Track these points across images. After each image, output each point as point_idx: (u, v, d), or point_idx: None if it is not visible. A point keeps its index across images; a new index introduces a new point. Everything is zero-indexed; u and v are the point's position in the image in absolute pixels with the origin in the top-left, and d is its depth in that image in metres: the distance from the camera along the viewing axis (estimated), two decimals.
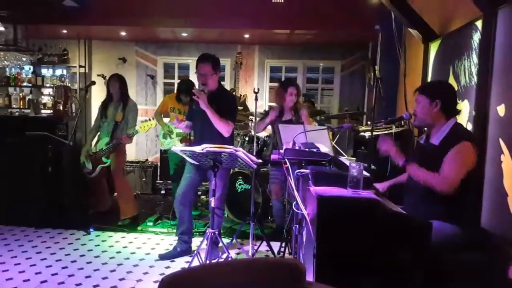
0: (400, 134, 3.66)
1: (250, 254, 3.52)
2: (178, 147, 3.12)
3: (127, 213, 4.46)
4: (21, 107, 6.54)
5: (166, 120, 4.93)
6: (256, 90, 3.77)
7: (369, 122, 4.70)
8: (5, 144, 4.42)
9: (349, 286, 1.78)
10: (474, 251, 2.16)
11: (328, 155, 2.50)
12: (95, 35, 6.52)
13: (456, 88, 2.88)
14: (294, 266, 1.33)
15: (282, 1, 5.18)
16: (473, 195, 2.17)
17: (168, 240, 3.99)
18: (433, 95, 2.29)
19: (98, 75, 6.56)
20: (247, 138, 4.79)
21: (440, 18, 3.47)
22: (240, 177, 4.56)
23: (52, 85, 6.51)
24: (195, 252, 3.20)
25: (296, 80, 6.63)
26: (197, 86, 4.30)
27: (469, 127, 2.67)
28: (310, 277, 1.82)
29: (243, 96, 6.39)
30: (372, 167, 3.34)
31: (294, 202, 2.52)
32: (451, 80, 3.04)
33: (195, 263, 3.17)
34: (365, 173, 2.05)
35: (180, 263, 3.48)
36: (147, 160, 6.48)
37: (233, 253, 3.61)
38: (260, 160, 3.06)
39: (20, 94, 6.62)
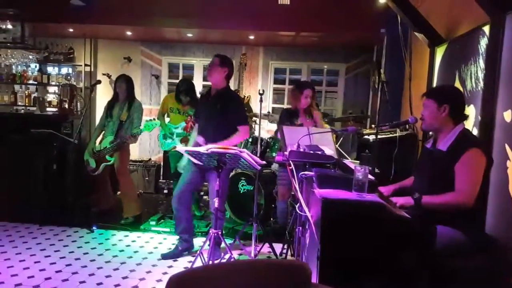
0: (405, 138, 3.66)
1: (252, 255, 3.53)
2: (183, 147, 3.14)
3: (130, 211, 4.48)
4: (27, 104, 6.56)
5: (166, 120, 4.95)
6: (261, 92, 3.78)
7: (373, 125, 4.71)
8: (11, 141, 4.45)
9: None
10: (478, 256, 2.16)
11: (333, 157, 2.51)
12: (101, 34, 6.55)
13: None
14: (300, 268, 1.34)
15: (288, 2, 5.19)
16: (478, 200, 2.16)
17: (170, 240, 4.01)
18: (441, 100, 2.28)
19: (103, 74, 6.59)
20: (250, 139, 4.79)
21: (447, 23, 3.47)
22: (242, 178, 4.57)
23: (57, 83, 6.53)
24: (198, 252, 3.21)
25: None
26: (198, 88, 4.34)
27: (475, 132, 2.67)
28: (313, 279, 1.82)
29: (247, 97, 6.40)
30: (376, 170, 3.33)
31: (298, 204, 2.52)
32: (457, 85, 3.03)
33: (198, 263, 3.18)
34: (370, 176, 2.06)
35: (183, 263, 3.49)
36: (150, 159, 6.50)
37: (235, 254, 3.61)
38: (264, 162, 3.07)
39: (26, 92, 6.64)
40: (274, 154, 4.43)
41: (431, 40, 3.60)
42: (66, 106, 6.06)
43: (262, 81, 6.68)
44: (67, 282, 3.02)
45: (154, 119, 4.25)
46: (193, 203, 4.59)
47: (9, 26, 5.47)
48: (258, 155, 3.93)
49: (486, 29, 2.60)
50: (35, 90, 6.77)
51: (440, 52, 3.50)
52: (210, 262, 3.05)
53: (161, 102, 6.70)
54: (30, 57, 6.03)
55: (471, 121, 2.75)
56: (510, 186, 2.24)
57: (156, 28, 5.76)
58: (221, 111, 3.38)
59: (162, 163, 6.12)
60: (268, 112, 5.68)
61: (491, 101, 2.47)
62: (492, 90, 2.47)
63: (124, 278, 3.14)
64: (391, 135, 3.68)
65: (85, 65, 6.63)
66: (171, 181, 5.53)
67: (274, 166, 4.98)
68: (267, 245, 3.68)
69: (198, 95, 4.81)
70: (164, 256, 3.54)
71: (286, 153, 2.58)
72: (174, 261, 3.51)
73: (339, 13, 5.22)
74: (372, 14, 5.07)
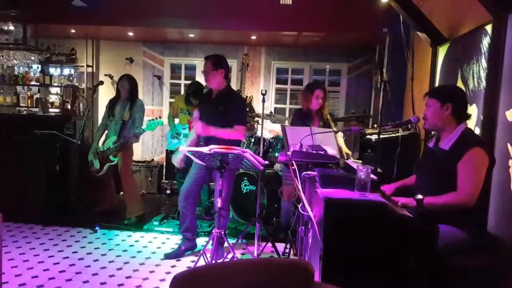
0: (407, 138, 3.66)
1: (255, 254, 3.53)
2: (185, 148, 3.15)
3: (133, 212, 4.49)
4: (29, 105, 6.59)
5: (176, 120, 4.97)
6: (263, 92, 3.79)
7: (375, 125, 4.71)
8: (14, 143, 4.47)
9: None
10: (480, 255, 2.16)
11: (335, 157, 2.51)
12: (103, 35, 6.56)
13: None
14: (303, 267, 1.35)
15: (290, 2, 5.20)
16: (480, 199, 2.16)
17: (173, 239, 4.02)
18: (444, 99, 2.29)
19: (106, 75, 6.60)
20: (252, 139, 4.80)
21: (449, 22, 3.47)
22: (245, 178, 4.58)
23: (60, 84, 6.55)
24: (201, 252, 3.22)
25: (303, 82, 6.64)
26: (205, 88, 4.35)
27: (477, 131, 2.67)
28: (316, 278, 1.82)
29: (249, 97, 6.40)
30: (379, 170, 3.34)
31: (300, 204, 2.53)
32: (460, 84, 3.03)
33: (201, 262, 3.19)
34: (372, 176, 2.06)
35: (186, 262, 3.50)
36: (153, 160, 6.51)
37: (238, 254, 3.62)
38: (267, 162, 3.08)
39: (28, 93, 6.67)
40: (276, 154, 4.43)
41: (433, 39, 3.60)
42: (69, 107, 6.08)
43: (264, 81, 6.68)
44: (70, 282, 3.03)
45: (156, 118, 4.25)
46: (201, 206, 4.62)
47: (11, 27, 5.48)
48: (260, 155, 3.94)
49: (489, 28, 2.60)
50: (37, 91, 6.79)
51: (442, 52, 3.51)
52: (213, 262, 3.06)
53: (165, 103, 6.79)
54: (32, 58, 6.04)
55: (473, 121, 2.75)
56: None
57: (158, 28, 5.77)
58: (223, 113, 3.38)
59: (164, 164, 6.14)
60: (271, 112, 5.67)
61: (493, 101, 2.48)
62: (494, 90, 2.47)
63: (127, 277, 3.15)
64: (393, 135, 3.68)
65: (87, 66, 6.65)
66: (174, 181, 5.56)
67: (278, 166, 4.99)
68: (270, 244, 3.69)
69: None
70: (167, 256, 3.56)
71: (289, 153, 2.59)
72: (177, 260, 3.52)
73: (341, 12, 5.22)
74: (374, 14, 5.07)
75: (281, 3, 5.18)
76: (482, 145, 2.21)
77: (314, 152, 2.54)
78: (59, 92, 6.65)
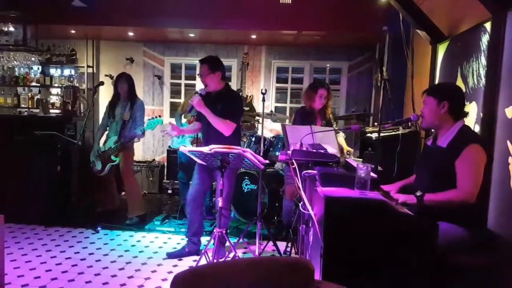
0: (407, 136, 3.66)
1: (256, 253, 3.54)
2: (186, 148, 3.15)
3: (135, 211, 4.50)
4: (30, 106, 6.60)
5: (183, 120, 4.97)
6: (263, 91, 3.79)
7: (376, 123, 4.71)
8: (15, 144, 4.48)
9: (356, 286, 1.79)
10: (480, 252, 2.17)
11: (335, 156, 2.52)
12: (103, 35, 6.57)
13: (464, 90, 2.88)
14: (304, 265, 1.35)
15: (290, 1, 5.20)
16: (480, 196, 2.17)
17: (175, 239, 4.03)
18: (440, 96, 2.30)
19: (106, 75, 6.61)
20: (253, 139, 4.81)
21: (449, 20, 3.47)
22: (246, 177, 4.59)
23: (60, 85, 6.56)
24: (203, 251, 3.23)
25: (303, 81, 6.65)
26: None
27: (477, 129, 2.67)
28: (317, 277, 1.83)
29: (250, 96, 6.41)
30: (379, 168, 3.34)
31: (301, 203, 2.54)
32: (459, 82, 3.04)
33: (203, 262, 3.20)
34: (372, 174, 2.07)
35: (188, 262, 3.51)
36: (154, 160, 6.52)
37: (239, 253, 3.63)
38: (267, 161, 3.08)
39: (29, 94, 6.68)
40: (277, 153, 4.44)
41: (433, 37, 3.61)
42: (69, 107, 6.08)
43: (264, 80, 6.69)
44: (73, 282, 3.04)
45: (156, 116, 4.26)
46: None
47: (11, 29, 5.48)
48: (261, 154, 3.95)
49: (488, 25, 2.60)
50: (38, 92, 6.81)
51: (442, 49, 3.51)
52: (215, 261, 3.07)
53: (165, 103, 6.80)
54: (33, 59, 6.05)
55: (473, 118, 2.76)
56: (511, 182, 2.24)
57: (158, 28, 5.78)
58: (221, 111, 3.38)
59: (166, 164, 6.15)
60: (271, 111, 5.68)
61: (493, 98, 2.48)
62: (493, 87, 2.48)
63: (129, 277, 3.16)
64: (393, 133, 3.68)
65: (88, 66, 6.66)
66: (175, 181, 5.57)
67: (279, 165, 5.00)
68: (271, 243, 3.70)
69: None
70: (170, 255, 3.57)
71: (289, 152, 2.60)
72: (179, 260, 3.53)
73: (341, 11, 5.22)
74: (374, 12, 5.07)
75: (280, 2, 5.19)
76: (480, 141, 2.21)
77: (314, 151, 2.55)
78: (59, 93, 6.66)
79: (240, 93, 6.26)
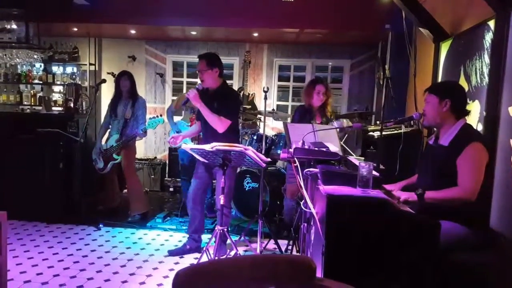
0: (410, 135, 3.65)
1: (258, 251, 3.55)
2: (188, 146, 3.16)
3: (137, 209, 4.51)
4: (32, 104, 6.61)
5: (177, 118, 4.97)
6: (266, 89, 3.78)
7: (378, 122, 4.70)
8: (17, 141, 4.49)
9: (357, 284, 1.79)
10: (483, 251, 2.16)
11: (337, 154, 2.51)
12: (105, 33, 6.57)
13: (466, 89, 2.87)
14: (305, 262, 1.35)
15: None
16: (482, 195, 2.16)
17: (177, 237, 4.04)
18: (442, 95, 2.30)
19: (108, 73, 6.60)
20: (255, 137, 4.81)
21: (452, 18, 3.46)
22: (248, 175, 4.59)
23: (62, 83, 6.57)
24: (204, 248, 3.23)
25: (305, 79, 6.63)
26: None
27: (480, 127, 2.66)
28: (318, 275, 1.83)
29: (251, 95, 6.40)
30: (381, 166, 3.34)
31: (303, 201, 2.53)
32: (462, 80, 3.03)
33: (204, 259, 3.20)
34: (374, 172, 2.06)
35: (189, 259, 3.52)
36: (155, 157, 6.53)
37: (241, 251, 3.64)
38: (269, 159, 3.08)
39: (31, 92, 6.69)
40: (279, 152, 4.43)
41: (435, 35, 3.59)
42: (72, 105, 6.09)
43: (266, 78, 6.68)
44: (75, 279, 3.05)
45: (157, 116, 4.26)
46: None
47: (14, 26, 5.50)
48: (263, 152, 3.95)
49: (491, 23, 2.59)
50: (40, 90, 6.82)
51: (445, 48, 3.50)
52: (216, 258, 3.07)
53: (167, 101, 6.80)
54: (35, 56, 6.06)
55: (476, 117, 2.75)
56: None
57: (160, 26, 5.78)
58: (217, 110, 3.37)
59: (167, 161, 6.16)
60: (273, 110, 5.67)
61: (496, 97, 2.47)
62: (497, 86, 2.47)
63: (131, 274, 3.17)
64: (396, 132, 3.68)
65: (90, 64, 6.66)
66: (177, 179, 5.57)
67: (281, 164, 5.00)
68: (272, 241, 3.70)
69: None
70: (171, 253, 3.57)
71: (291, 150, 2.59)
72: (181, 257, 3.54)
73: (343, 9, 5.21)
74: (377, 10, 5.05)
75: (282, 0, 5.17)
76: (481, 140, 2.21)
77: (316, 149, 2.54)
78: (62, 90, 6.67)
79: (242, 91, 6.26)
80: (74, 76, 6.57)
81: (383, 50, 5.69)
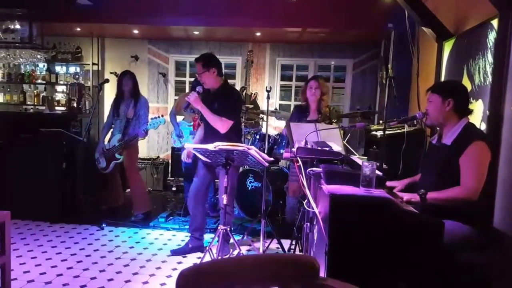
0: (413, 134, 3.65)
1: (260, 251, 3.55)
2: (191, 145, 3.16)
3: (140, 209, 4.52)
4: (36, 104, 6.64)
5: (179, 118, 4.98)
6: (268, 89, 3.78)
7: (381, 121, 4.69)
8: (21, 141, 4.51)
9: (361, 284, 1.79)
10: (486, 251, 2.16)
11: (340, 154, 2.51)
12: (108, 33, 6.58)
13: (470, 88, 2.87)
14: (308, 262, 1.35)
15: None
16: (485, 194, 2.16)
17: (179, 236, 4.04)
18: (445, 94, 2.30)
19: (111, 73, 6.63)
20: (258, 136, 4.80)
21: (455, 17, 3.45)
22: (250, 175, 4.59)
23: (66, 83, 6.59)
24: (207, 248, 3.24)
25: (308, 78, 6.62)
26: None
27: (483, 127, 2.65)
28: (321, 274, 1.83)
29: (254, 94, 6.40)
30: (384, 166, 3.33)
31: (306, 200, 2.53)
32: (465, 79, 3.02)
33: (207, 259, 3.21)
34: (377, 172, 2.06)
35: (192, 259, 3.52)
36: (158, 157, 6.54)
37: (244, 250, 3.64)
38: (272, 159, 3.08)
39: (35, 91, 6.72)
40: (281, 151, 4.43)
41: (439, 34, 3.58)
42: (75, 105, 6.12)
43: (269, 78, 6.68)
44: (78, 279, 3.06)
45: (159, 116, 4.27)
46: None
47: (17, 26, 5.52)
48: (265, 152, 3.95)
49: (495, 22, 2.58)
50: (43, 90, 6.85)
51: (448, 47, 3.48)
52: (219, 258, 3.07)
53: (170, 101, 6.81)
54: (38, 56, 6.08)
55: (479, 116, 2.74)
56: None
57: (162, 26, 5.79)
58: (218, 110, 3.37)
59: (170, 161, 6.16)
60: (275, 109, 5.67)
61: (500, 96, 2.46)
62: (500, 85, 2.46)
63: (134, 274, 3.18)
64: (399, 131, 3.67)
65: (93, 64, 6.68)
66: (180, 179, 5.58)
67: (283, 163, 4.99)
68: (275, 241, 3.70)
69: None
70: (174, 252, 3.58)
71: (294, 149, 2.59)
72: (184, 257, 3.54)
73: (346, 8, 5.20)
74: (379, 9, 5.03)
75: None
76: (484, 138, 2.21)
77: (319, 148, 2.54)
78: (65, 90, 6.70)
79: (244, 91, 6.26)
80: (77, 76, 6.59)
81: (386, 49, 5.67)
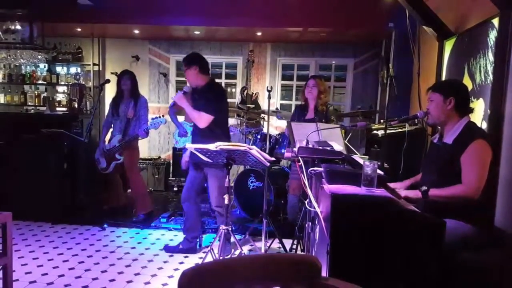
0: (414, 133, 3.64)
1: (262, 250, 3.55)
2: (192, 145, 3.16)
3: (141, 209, 4.52)
4: (37, 104, 6.65)
5: (180, 118, 4.97)
6: (269, 89, 3.78)
7: (382, 120, 4.69)
8: (22, 141, 4.51)
9: (362, 283, 1.79)
10: (488, 250, 2.15)
11: (342, 153, 2.51)
12: (109, 33, 6.59)
13: (471, 87, 2.86)
14: (310, 261, 1.35)
15: None
16: (486, 193, 2.16)
17: (181, 236, 4.02)
18: (446, 93, 2.31)
19: (112, 73, 6.62)
20: (259, 136, 4.81)
21: (456, 16, 3.44)
22: (252, 174, 4.59)
23: (66, 83, 6.60)
24: (209, 248, 3.23)
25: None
26: None
27: (484, 126, 2.65)
28: (323, 274, 1.83)
29: (255, 94, 6.40)
30: (385, 165, 3.33)
31: (307, 200, 2.53)
32: (466, 78, 3.01)
33: (209, 259, 3.20)
34: (379, 171, 2.06)
35: (194, 259, 3.53)
36: (159, 157, 6.55)
37: (245, 250, 3.64)
38: (273, 158, 3.08)
39: (36, 92, 6.73)
40: (283, 151, 4.43)
41: (439, 33, 3.58)
42: (76, 105, 6.13)
43: (270, 77, 6.68)
44: (80, 279, 3.07)
45: (159, 116, 4.27)
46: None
47: (18, 27, 5.52)
48: (267, 151, 3.95)
49: (495, 21, 2.58)
50: (44, 90, 6.85)
51: (449, 46, 3.48)
52: (221, 258, 3.07)
53: (171, 101, 6.79)
54: (39, 57, 6.09)
55: (480, 115, 2.74)
56: None
57: (163, 26, 5.79)
58: (205, 107, 3.40)
59: (171, 161, 6.17)
60: (277, 109, 5.67)
61: (500, 95, 2.46)
62: (501, 84, 2.46)
63: (136, 274, 3.18)
64: (400, 130, 3.67)
65: (94, 64, 6.68)
66: (181, 179, 5.58)
67: (284, 163, 4.99)
68: (277, 240, 3.70)
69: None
70: (167, 248, 3.65)
71: (295, 149, 2.59)
72: (185, 257, 3.55)
73: (347, 8, 5.20)
74: (380, 9, 5.03)
75: None
76: (485, 137, 2.21)
77: (320, 148, 2.54)
78: (66, 90, 6.70)
79: (246, 90, 6.26)
80: (78, 77, 6.59)
81: (387, 49, 5.67)
